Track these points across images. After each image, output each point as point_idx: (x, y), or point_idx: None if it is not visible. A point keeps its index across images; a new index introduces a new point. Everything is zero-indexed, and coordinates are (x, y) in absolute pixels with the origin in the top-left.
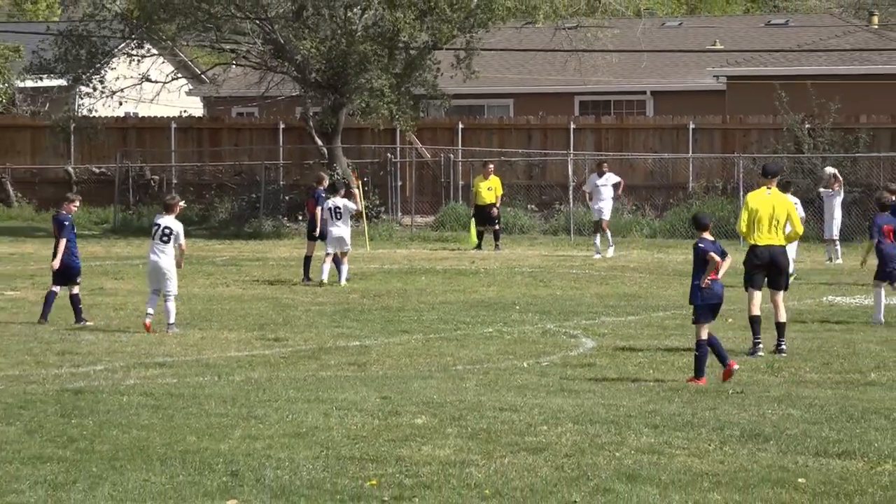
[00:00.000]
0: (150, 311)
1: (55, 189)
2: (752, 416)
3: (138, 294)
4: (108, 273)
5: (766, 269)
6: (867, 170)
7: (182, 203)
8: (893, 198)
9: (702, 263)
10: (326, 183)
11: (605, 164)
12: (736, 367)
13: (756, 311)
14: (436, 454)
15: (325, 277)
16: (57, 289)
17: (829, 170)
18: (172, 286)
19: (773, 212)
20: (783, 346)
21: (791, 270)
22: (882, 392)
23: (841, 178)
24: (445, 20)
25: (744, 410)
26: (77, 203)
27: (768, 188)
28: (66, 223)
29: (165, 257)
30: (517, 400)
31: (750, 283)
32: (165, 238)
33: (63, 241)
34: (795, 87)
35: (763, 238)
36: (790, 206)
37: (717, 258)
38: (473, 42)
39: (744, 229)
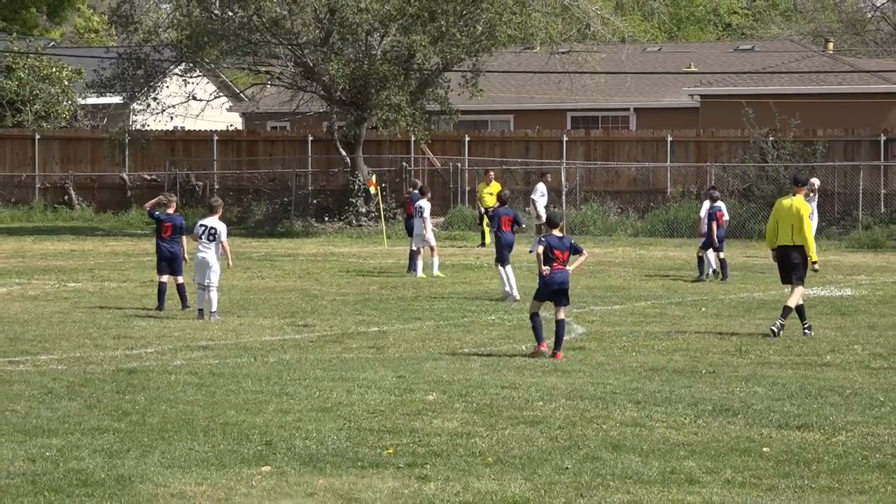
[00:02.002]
0: (201, 306)
1: (112, 193)
2: (722, 394)
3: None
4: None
5: (784, 264)
6: (823, 177)
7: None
8: (718, 203)
9: (545, 255)
10: (419, 186)
11: (549, 175)
12: (545, 349)
13: (797, 302)
14: (445, 426)
15: (419, 272)
16: (165, 278)
17: (815, 181)
18: (215, 278)
19: (789, 215)
20: (777, 326)
21: (710, 271)
22: (836, 372)
23: (815, 187)
24: (455, 44)
25: (715, 388)
26: (175, 204)
27: (794, 195)
28: (181, 223)
29: (210, 253)
30: (516, 379)
31: (783, 280)
32: (211, 237)
33: (185, 238)
34: (761, 104)
35: (782, 238)
36: (804, 212)
37: (540, 253)
38: (479, 64)
39: (769, 230)
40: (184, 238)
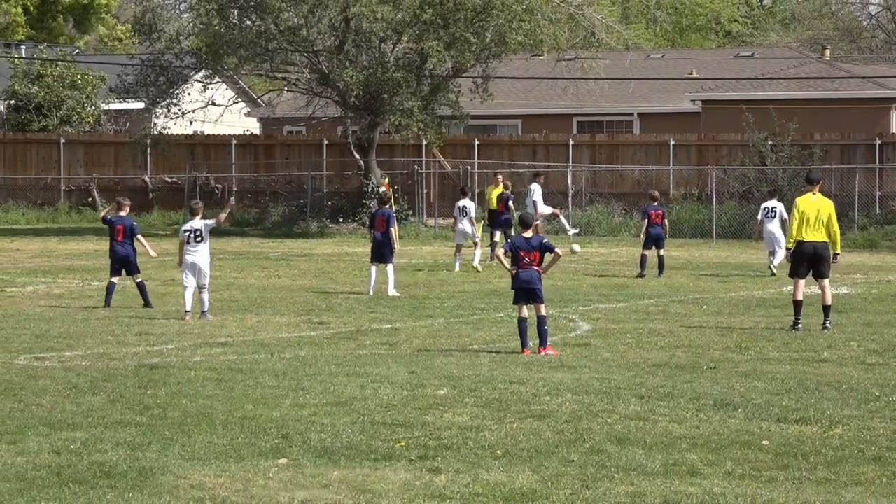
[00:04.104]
0: (188, 307)
1: (134, 195)
2: (723, 388)
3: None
4: (176, 267)
5: (811, 260)
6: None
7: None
8: (656, 203)
9: (512, 256)
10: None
11: (542, 176)
12: (527, 354)
13: (799, 297)
14: (455, 420)
15: (461, 265)
16: (116, 279)
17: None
18: (207, 280)
19: (818, 213)
20: (828, 326)
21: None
22: (833, 368)
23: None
24: (468, 48)
25: (716, 383)
26: (128, 206)
27: (813, 193)
28: (131, 224)
29: (199, 255)
30: (524, 374)
31: (795, 273)
32: (198, 238)
33: (141, 237)
34: (760, 109)
35: (809, 235)
36: (831, 209)
37: (502, 253)
38: (489, 71)
39: (794, 227)
40: (141, 238)
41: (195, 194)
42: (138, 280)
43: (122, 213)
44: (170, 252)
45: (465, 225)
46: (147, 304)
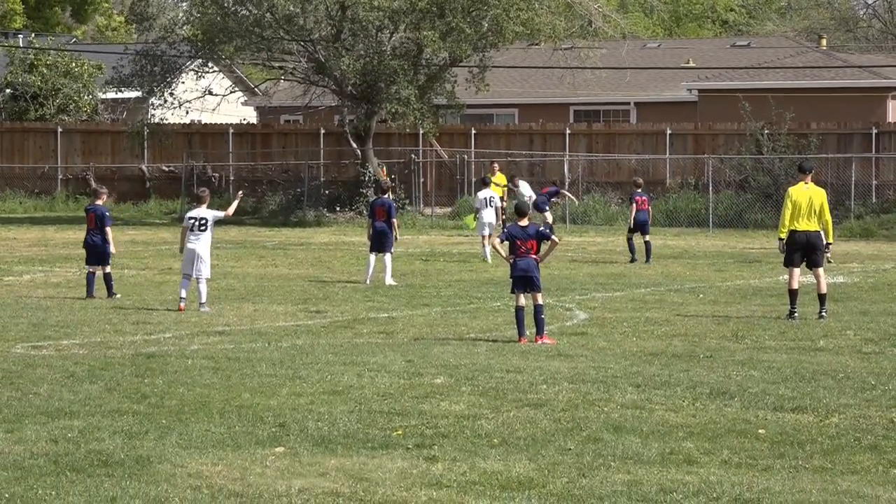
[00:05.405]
0: (184, 294)
1: (131, 184)
2: (719, 377)
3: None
4: (175, 255)
5: (804, 250)
6: (816, 169)
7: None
8: (639, 189)
9: (510, 244)
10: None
11: (517, 177)
12: (524, 343)
13: (795, 286)
14: (452, 409)
15: (489, 259)
16: (92, 269)
17: None
18: (206, 270)
19: (810, 202)
20: (824, 314)
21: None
22: (829, 357)
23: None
24: (464, 38)
25: (713, 372)
26: (104, 195)
27: (805, 183)
28: (103, 213)
29: (201, 244)
30: (521, 363)
31: (790, 262)
32: (202, 227)
33: (109, 229)
34: (757, 98)
35: (802, 224)
36: (823, 198)
37: (498, 242)
38: (485, 60)
39: (787, 217)
40: (109, 229)
41: (192, 183)
42: (107, 271)
43: (99, 202)
44: (167, 241)
45: (489, 215)
46: (110, 294)
